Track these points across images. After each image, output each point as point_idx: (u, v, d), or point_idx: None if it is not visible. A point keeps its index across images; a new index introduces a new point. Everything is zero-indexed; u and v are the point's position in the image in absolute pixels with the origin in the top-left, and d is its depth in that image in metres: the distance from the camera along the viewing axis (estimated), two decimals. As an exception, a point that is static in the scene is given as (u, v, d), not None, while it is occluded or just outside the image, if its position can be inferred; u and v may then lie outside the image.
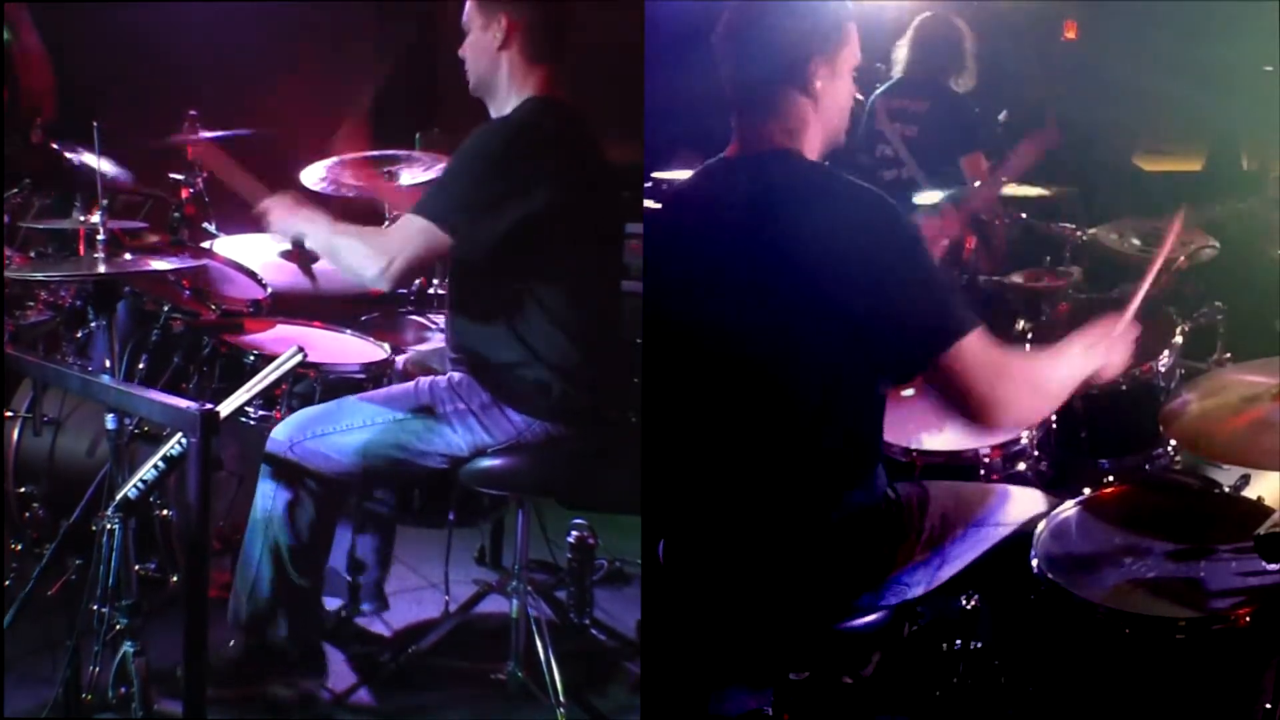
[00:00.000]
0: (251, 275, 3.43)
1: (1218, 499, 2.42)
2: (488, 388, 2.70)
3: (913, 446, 2.79)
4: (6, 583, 2.94)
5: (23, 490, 3.16)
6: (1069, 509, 2.29)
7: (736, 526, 2.14)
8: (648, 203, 4.34)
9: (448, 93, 2.86)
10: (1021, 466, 2.81)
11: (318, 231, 2.67)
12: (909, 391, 2.92)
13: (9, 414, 3.16)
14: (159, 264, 2.88)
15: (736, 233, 2.08)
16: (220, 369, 3.14)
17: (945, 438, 2.83)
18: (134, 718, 2.43)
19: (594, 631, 3.30)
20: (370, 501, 3.07)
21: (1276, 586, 1.96)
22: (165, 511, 3.06)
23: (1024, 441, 2.81)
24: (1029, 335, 3.29)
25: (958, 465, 2.78)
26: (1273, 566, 1.94)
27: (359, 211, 3.33)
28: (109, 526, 2.43)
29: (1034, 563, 2.12)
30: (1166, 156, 6.05)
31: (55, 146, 3.65)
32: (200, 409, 2.14)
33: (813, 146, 2.15)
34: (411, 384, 2.81)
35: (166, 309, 3.29)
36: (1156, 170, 5.87)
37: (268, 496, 2.73)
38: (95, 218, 2.68)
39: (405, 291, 3.81)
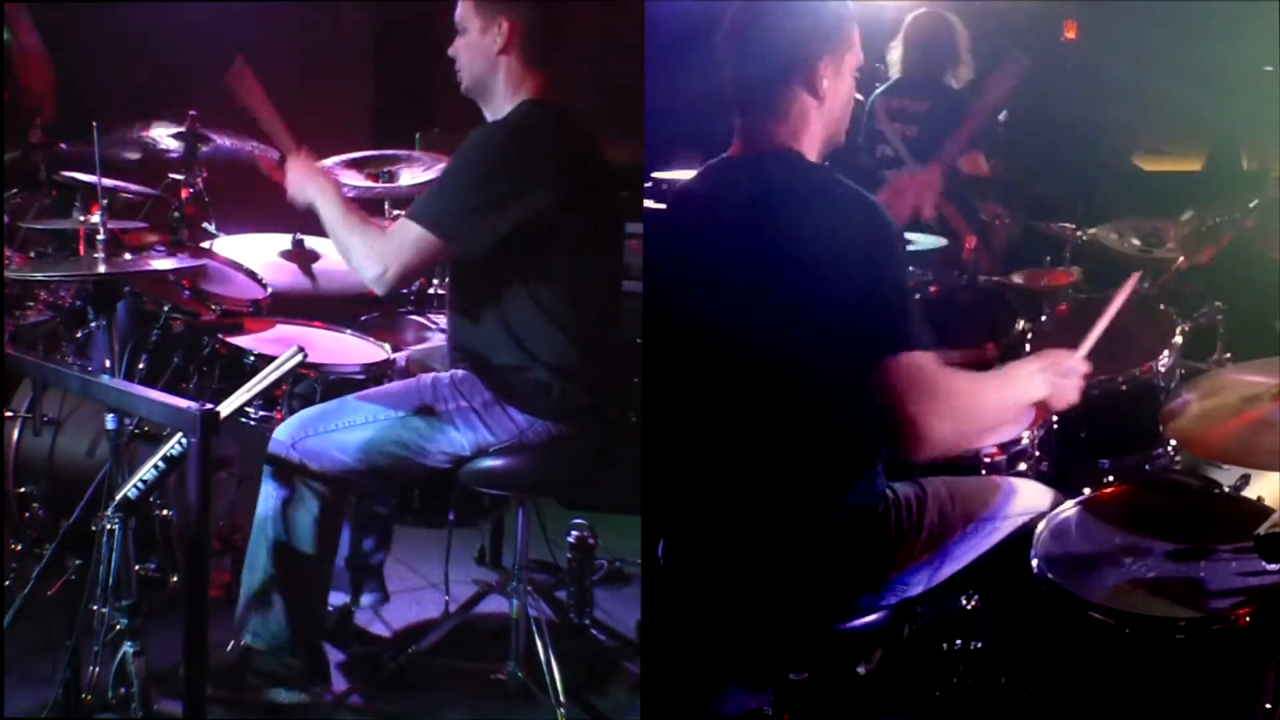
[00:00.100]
0: (251, 275, 3.44)
1: (1218, 499, 2.42)
2: (490, 386, 2.70)
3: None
4: (6, 583, 2.93)
5: (23, 490, 3.16)
6: (1069, 509, 2.30)
7: (736, 526, 2.14)
8: (648, 203, 4.34)
9: (448, 93, 2.85)
10: (1022, 466, 2.80)
11: (327, 208, 2.67)
12: None
13: (9, 414, 3.16)
14: (159, 264, 2.87)
15: (737, 233, 2.08)
16: (220, 369, 3.14)
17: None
18: (134, 718, 2.42)
19: (594, 631, 3.30)
20: (370, 502, 3.07)
21: (1276, 586, 1.96)
22: (165, 511, 3.06)
23: (1025, 441, 2.80)
24: (1029, 335, 3.29)
25: (958, 466, 2.78)
26: (1273, 566, 1.94)
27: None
28: (109, 526, 2.43)
29: (1034, 563, 2.12)
30: (1166, 156, 6.04)
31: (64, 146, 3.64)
32: (200, 409, 2.15)
33: (814, 147, 2.16)
34: (414, 381, 2.81)
35: (166, 309, 3.29)
36: (1156, 170, 5.86)
37: (271, 497, 2.72)
38: (95, 218, 2.68)
39: (405, 291, 3.82)
